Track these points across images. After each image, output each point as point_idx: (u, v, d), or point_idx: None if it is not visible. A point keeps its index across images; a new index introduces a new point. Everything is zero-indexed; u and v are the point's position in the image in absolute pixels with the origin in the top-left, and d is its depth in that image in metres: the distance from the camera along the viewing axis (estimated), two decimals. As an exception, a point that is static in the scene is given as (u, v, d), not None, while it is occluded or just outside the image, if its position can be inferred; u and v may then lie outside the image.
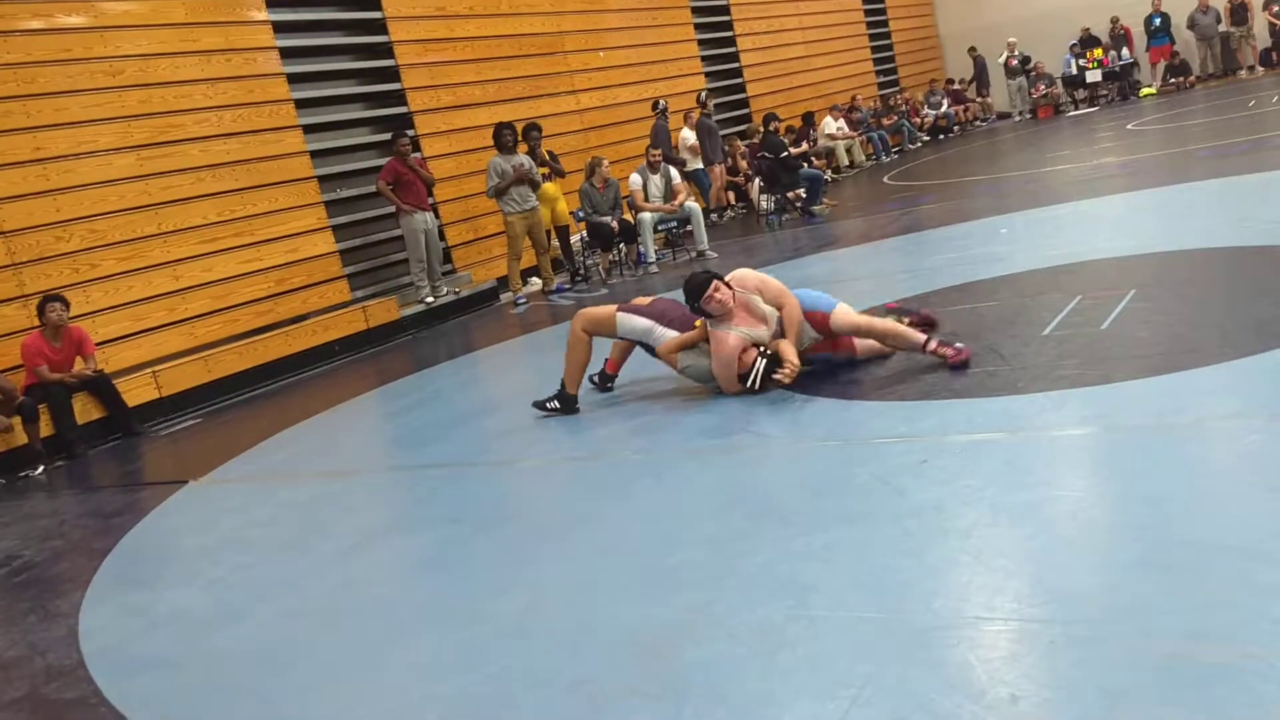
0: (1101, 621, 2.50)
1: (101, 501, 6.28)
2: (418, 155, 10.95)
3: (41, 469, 7.40)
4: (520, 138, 10.86)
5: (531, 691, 2.78)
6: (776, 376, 4.91)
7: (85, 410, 7.87)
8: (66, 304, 7.74)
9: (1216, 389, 3.90)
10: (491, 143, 10.63)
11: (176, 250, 9.04)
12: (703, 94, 14.13)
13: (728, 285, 5.08)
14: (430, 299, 10.58)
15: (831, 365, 5.24)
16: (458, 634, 3.28)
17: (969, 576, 2.87)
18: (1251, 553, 2.64)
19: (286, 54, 10.28)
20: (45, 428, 7.56)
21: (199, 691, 3.30)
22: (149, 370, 8.49)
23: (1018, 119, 20.82)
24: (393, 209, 10.42)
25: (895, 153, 18.77)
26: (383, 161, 10.60)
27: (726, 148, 14.35)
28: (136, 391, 8.27)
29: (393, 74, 11.34)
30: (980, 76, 21.65)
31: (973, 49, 21.67)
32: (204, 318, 9.16)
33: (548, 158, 11.36)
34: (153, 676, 3.49)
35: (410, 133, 10.92)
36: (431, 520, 4.55)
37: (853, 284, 7.65)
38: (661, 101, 13.31)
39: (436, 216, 10.96)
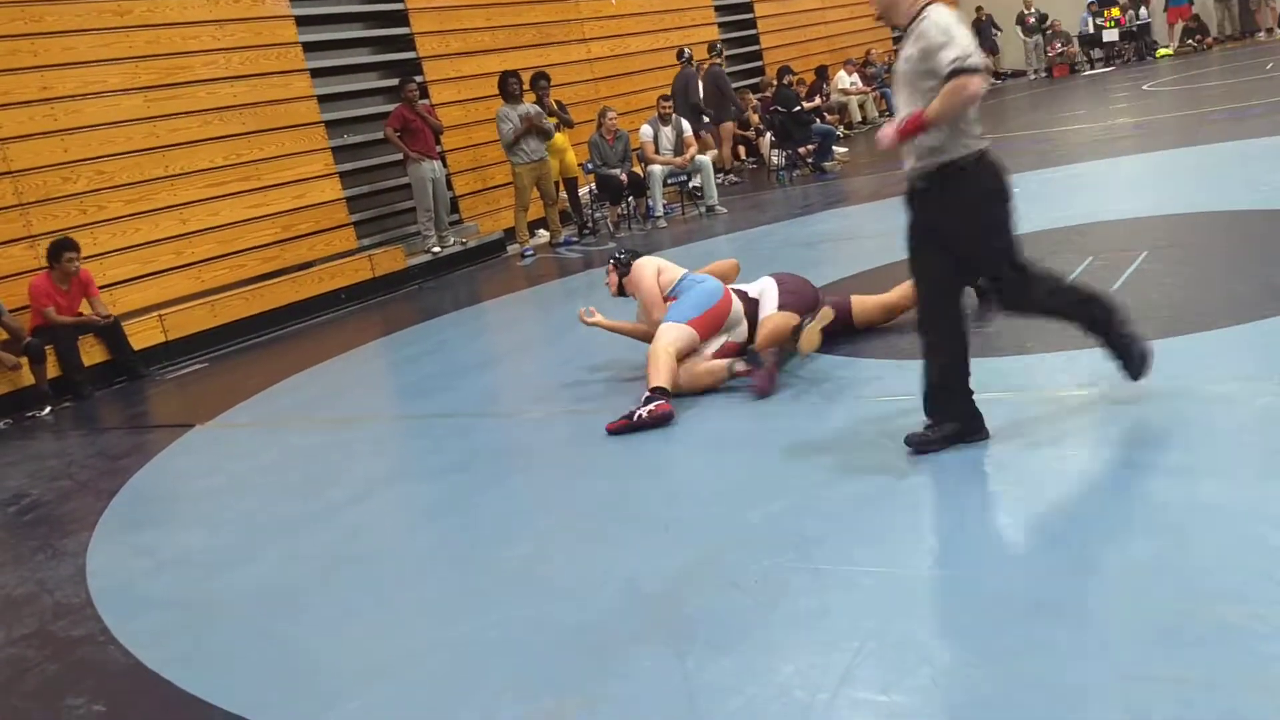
0: (1106, 580, 2.51)
1: (108, 443, 6.31)
2: (426, 102, 10.85)
3: (48, 409, 7.43)
4: (527, 87, 10.75)
5: (537, 638, 2.81)
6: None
7: (91, 352, 7.89)
8: (80, 250, 7.73)
9: (1226, 352, 3.89)
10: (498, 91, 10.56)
11: (184, 193, 9.00)
12: (718, 44, 13.94)
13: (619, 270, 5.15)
14: (437, 249, 10.54)
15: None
16: (465, 580, 3.31)
17: (974, 533, 2.88)
18: (1258, 515, 2.65)
19: (295, -4, 10.17)
20: (52, 369, 7.58)
21: (206, 630, 3.33)
22: (155, 313, 8.50)
23: (1033, 77, 20.59)
24: (400, 156, 10.35)
25: (908, 109, 18.55)
26: (390, 107, 10.52)
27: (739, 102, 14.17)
28: (143, 334, 8.28)
29: (401, 18, 11.22)
30: (983, 37, 21.30)
31: (979, 8, 21.33)
32: (210, 262, 9.14)
33: (555, 108, 11.25)
34: (160, 615, 3.52)
35: (418, 79, 10.80)
36: (439, 469, 4.57)
37: (862, 242, 7.61)
38: (687, 50, 13.11)
39: (444, 165, 10.88)
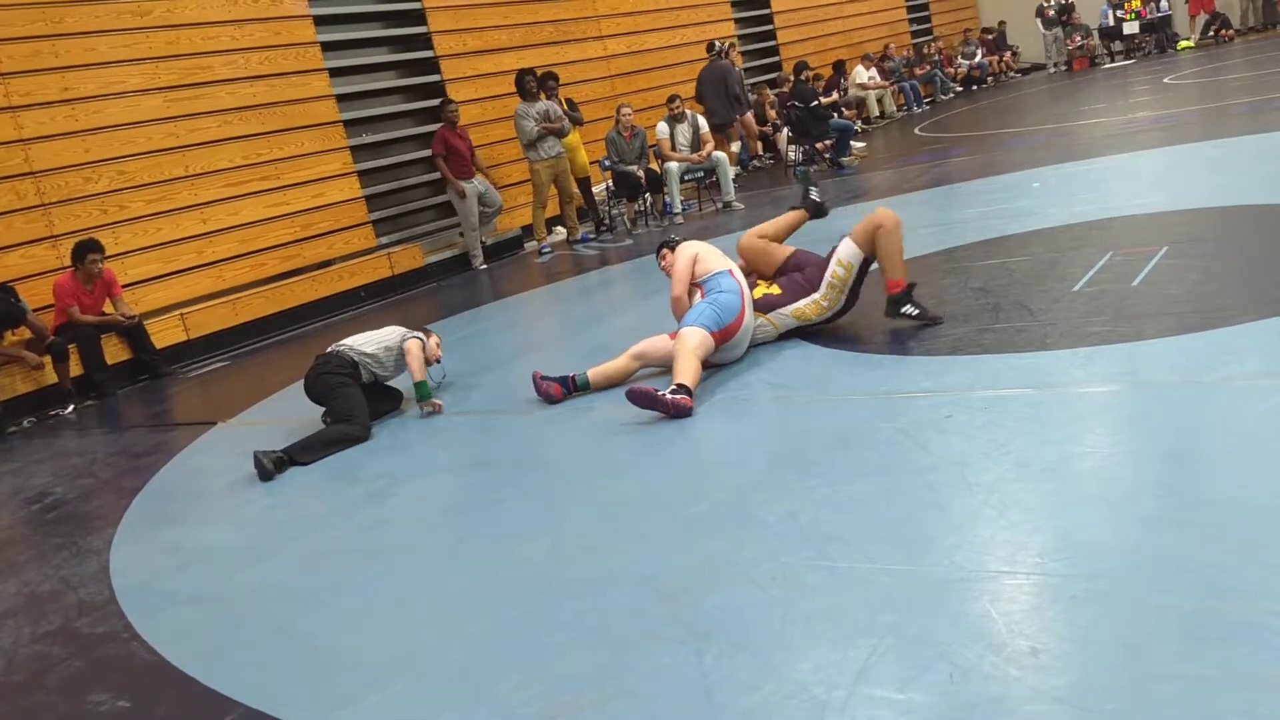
0: (1124, 577, 2.50)
1: (131, 441, 6.37)
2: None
3: (72, 408, 7.51)
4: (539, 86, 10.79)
5: (555, 634, 2.82)
6: None
7: (114, 351, 7.96)
8: (104, 251, 7.80)
9: (1246, 348, 3.86)
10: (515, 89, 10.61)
11: (204, 193, 9.07)
12: (728, 41, 13.92)
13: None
14: (481, 265, 10.64)
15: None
16: (483, 576, 3.33)
17: (992, 530, 2.87)
18: (1277, 511, 2.63)
19: (313, -5, 10.22)
20: (75, 367, 7.65)
21: (229, 626, 3.36)
22: (177, 312, 8.58)
23: (1052, 71, 20.46)
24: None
25: (927, 103, 18.52)
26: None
27: (755, 96, 14.13)
28: (165, 333, 8.36)
29: (419, 17, 11.26)
30: (1000, 41, 21.35)
31: (1002, 23, 21.34)
32: (231, 261, 9.21)
33: (566, 106, 11.26)
34: (183, 612, 3.56)
35: (453, 105, 10.75)
36: (457, 466, 4.59)
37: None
38: (718, 43, 13.09)
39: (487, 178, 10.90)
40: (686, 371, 4.57)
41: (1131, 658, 2.19)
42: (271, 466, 4.85)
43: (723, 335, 4.88)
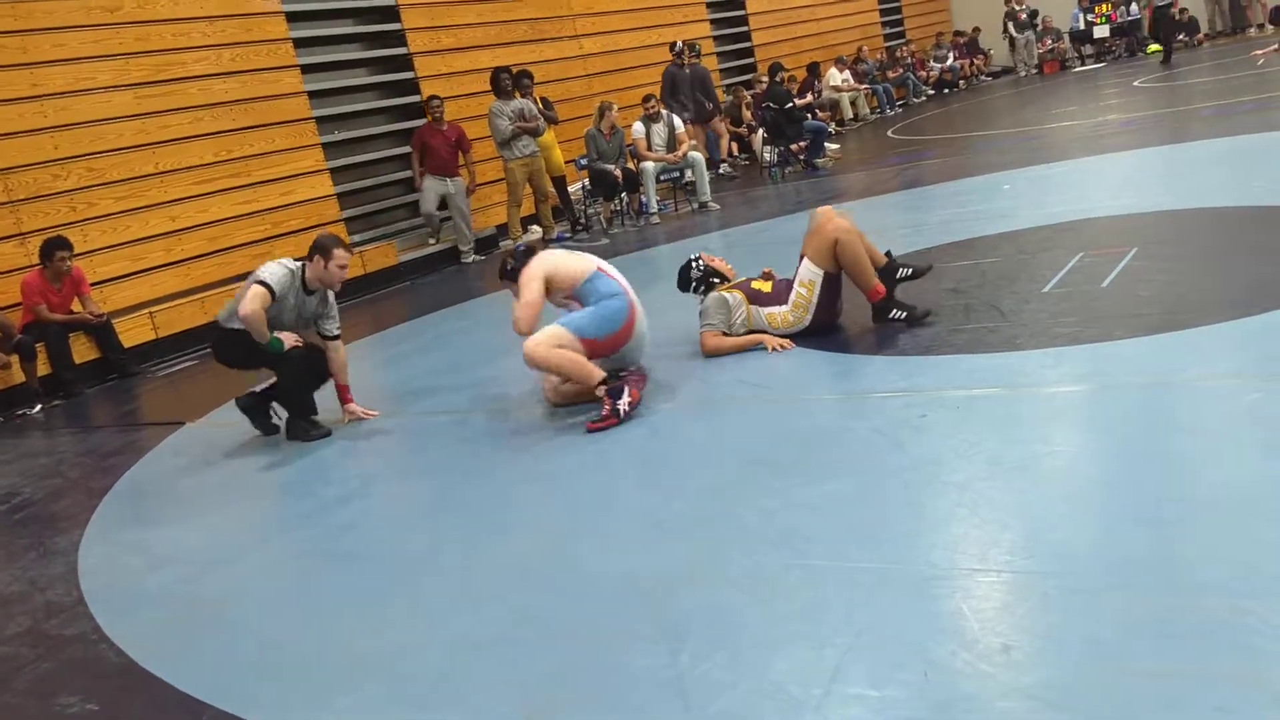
0: (1095, 574, 2.53)
1: (99, 441, 6.30)
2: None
3: (39, 407, 7.41)
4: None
5: (530, 634, 2.81)
6: None
7: (82, 350, 7.87)
8: (72, 249, 7.71)
9: (1216, 348, 3.91)
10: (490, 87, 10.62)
11: (173, 190, 8.98)
12: (678, 43, 13.77)
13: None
14: (469, 259, 10.77)
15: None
16: (457, 577, 3.31)
17: (965, 529, 2.89)
18: (1246, 510, 2.66)
19: (286, -9, 10.15)
20: (42, 366, 7.56)
21: (198, 629, 3.33)
22: (146, 311, 8.49)
23: (1023, 74, 20.62)
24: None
25: (900, 106, 18.61)
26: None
27: (731, 98, 14.14)
28: (133, 332, 8.27)
29: (393, 14, 11.20)
30: (973, 45, 21.52)
31: (976, 29, 21.54)
32: (200, 259, 9.12)
33: (541, 105, 11.24)
34: (152, 614, 3.52)
35: (437, 101, 10.76)
36: (430, 466, 4.56)
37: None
38: (679, 43, 13.07)
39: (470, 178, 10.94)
40: (584, 370, 4.48)
41: (1102, 654, 2.21)
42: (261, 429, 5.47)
43: (610, 344, 4.68)
